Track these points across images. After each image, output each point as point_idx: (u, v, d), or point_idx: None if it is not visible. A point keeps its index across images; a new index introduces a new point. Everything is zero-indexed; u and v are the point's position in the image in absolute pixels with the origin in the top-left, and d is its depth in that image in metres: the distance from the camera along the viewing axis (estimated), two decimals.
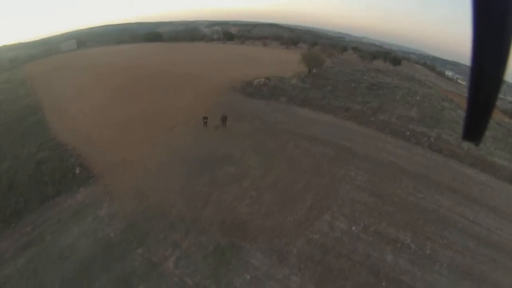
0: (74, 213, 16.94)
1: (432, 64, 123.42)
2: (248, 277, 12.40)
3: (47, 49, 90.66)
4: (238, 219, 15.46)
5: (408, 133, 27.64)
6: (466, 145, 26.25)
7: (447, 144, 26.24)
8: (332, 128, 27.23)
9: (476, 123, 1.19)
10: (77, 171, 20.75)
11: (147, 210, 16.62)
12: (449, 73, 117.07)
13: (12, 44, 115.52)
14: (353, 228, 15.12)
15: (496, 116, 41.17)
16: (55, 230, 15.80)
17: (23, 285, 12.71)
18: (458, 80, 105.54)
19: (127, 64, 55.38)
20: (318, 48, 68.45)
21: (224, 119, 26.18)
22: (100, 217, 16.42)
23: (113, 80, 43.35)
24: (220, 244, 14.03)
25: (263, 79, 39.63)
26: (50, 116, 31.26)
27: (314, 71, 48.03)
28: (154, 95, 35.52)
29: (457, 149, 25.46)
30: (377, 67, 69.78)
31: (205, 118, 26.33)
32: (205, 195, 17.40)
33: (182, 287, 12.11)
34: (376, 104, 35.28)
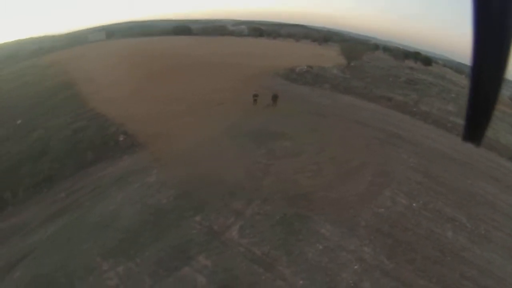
0: (117, 179, 16.05)
1: (461, 68, 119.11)
2: (320, 247, 11.41)
3: (74, 39, 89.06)
4: (302, 190, 14.58)
5: (449, 124, 26.88)
6: (504, 139, 26.13)
7: (486, 138, 25.31)
8: (377, 115, 26.42)
9: (476, 124, 1.14)
10: (120, 139, 19.96)
11: (202, 177, 15.49)
12: None
13: (37, 37, 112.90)
14: (414, 204, 14.41)
15: None
16: (94, 197, 14.86)
17: (54, 253, 11.51)
18: None
19: (162, 52, 54.59)
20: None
21: (275, 98, 25.43)
22: (149, 183, 15.32)
23: (151, 65, 42.74)
24: (286, 214, 12.95)
25: (305, 67, 38.93)
26: (85, 91, 30.73)
27: (352, 64, 47.01)
28: (196, 78, 34.95)
29: (496, 143, 24.75)
30: (410, 66, 68.19)
31: (255, 95, 25.52)
32: (264, 166, 16.64)
33: (249, 257, 10.85)
34: (415, 97, 34.43)
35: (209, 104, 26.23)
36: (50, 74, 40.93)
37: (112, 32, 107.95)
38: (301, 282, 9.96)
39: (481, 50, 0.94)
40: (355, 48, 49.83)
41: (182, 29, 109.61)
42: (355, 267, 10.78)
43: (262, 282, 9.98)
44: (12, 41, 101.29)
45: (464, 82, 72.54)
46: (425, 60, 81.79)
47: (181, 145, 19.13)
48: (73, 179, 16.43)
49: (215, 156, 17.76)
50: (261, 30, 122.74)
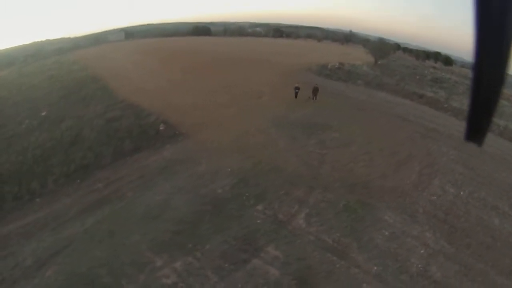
0: (162, 169, 14.99)
1: None
2: (386, 233, 11.18)
3: (94, 39, 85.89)
4: (359, 179, 14.50)
5: None
6: None
7: None
8: (412, 110, 26.14)
9: (478, 123, 1.07)
10: (161, 128, 18.98)
11: (257, 166, 14.97)
12: None
13: (55, 39, 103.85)
14: (461, 193, 14.41)
15: None
16: (137, 187, 13.65)
17: (94, 248, 10.11)
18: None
19: (189, 48, 53.42)
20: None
21: (315, 91, 25.09)
22: (199, 173, 14.42)
23: (181, 60, 41.69)
24: (349, 201, 12.58)
25: (337, 63, 38.85)
26: (114, 84, 29.37)
27: (379, 62, 46.62)
28: (230, 73, 33.98)
29: None
30: (433, 65, 67.19)
31: (297, 88, 25.06)
32: (318, 155, 16.52)
33: (320, 246, 10.29)
34: (444, 94, 34.13)
35: (250, 96, 25.95)
36: (75, 69, 39.25)
37: (131, 33, 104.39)
38: (375, 268, 9.71)
39: (482, 49, 0.92)
40: (382, 47, 49.26)
41: (202, 29, 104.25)
42: (421, 251, 10.72)
43: (337, 271, 9.47)
44: (29, 43, 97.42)
45: None
46: (445, 60, 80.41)
47: (229, 134, 18.61)
48: (111, 169, 15.31)
49: (266, 145, 17.43)
50: (281, 31, 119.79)
